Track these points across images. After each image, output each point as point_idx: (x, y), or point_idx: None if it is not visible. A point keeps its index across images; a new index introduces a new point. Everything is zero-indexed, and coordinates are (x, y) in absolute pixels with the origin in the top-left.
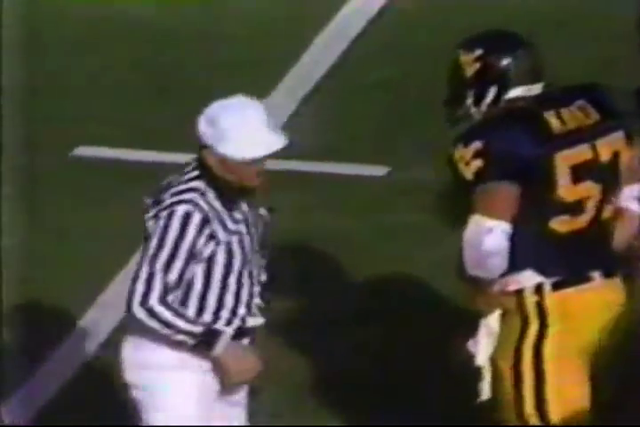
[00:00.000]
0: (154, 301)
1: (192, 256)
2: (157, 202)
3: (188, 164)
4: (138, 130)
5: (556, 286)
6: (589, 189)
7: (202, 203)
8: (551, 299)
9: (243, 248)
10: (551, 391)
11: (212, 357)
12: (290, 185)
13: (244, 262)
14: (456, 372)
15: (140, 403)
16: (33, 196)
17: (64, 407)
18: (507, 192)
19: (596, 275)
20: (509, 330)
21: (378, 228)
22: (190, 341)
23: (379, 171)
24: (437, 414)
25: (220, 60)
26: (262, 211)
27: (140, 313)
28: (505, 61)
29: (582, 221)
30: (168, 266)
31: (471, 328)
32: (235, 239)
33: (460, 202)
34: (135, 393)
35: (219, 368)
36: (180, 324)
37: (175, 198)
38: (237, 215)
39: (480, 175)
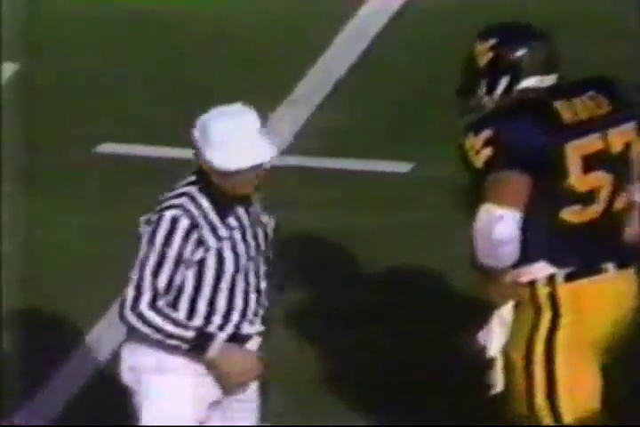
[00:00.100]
0: (143, 306)
1: (180, 261)
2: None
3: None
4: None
5: (569, 278)
6: (600, 179)
7: (191, 208)
8: (564, 290)
9: (236, 255)
10: (562, 383)
11: (207, 360)
12: (313, 182)
13: (238, 269)
14: (469, 365)
15: (136, 404)
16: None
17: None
18: (518, 181)
19: (610, 266)
20: (522, 321)
21: (401, 224)
22: (183, 345)
23: (402, 167)
24: (449, 408)
25: (234, 58)
26: (265, 219)
27: (131, 318)
28: (518, 51)
29: (594, 211)
30: (156, 271)
31: (485, 322)
32: (226, 245)
33: (479, 197)
34: (132, 395)
35: (215, 371)
36: (170, 329)
37: (166, 203)
38: (231, 221)
39: (490, 164)
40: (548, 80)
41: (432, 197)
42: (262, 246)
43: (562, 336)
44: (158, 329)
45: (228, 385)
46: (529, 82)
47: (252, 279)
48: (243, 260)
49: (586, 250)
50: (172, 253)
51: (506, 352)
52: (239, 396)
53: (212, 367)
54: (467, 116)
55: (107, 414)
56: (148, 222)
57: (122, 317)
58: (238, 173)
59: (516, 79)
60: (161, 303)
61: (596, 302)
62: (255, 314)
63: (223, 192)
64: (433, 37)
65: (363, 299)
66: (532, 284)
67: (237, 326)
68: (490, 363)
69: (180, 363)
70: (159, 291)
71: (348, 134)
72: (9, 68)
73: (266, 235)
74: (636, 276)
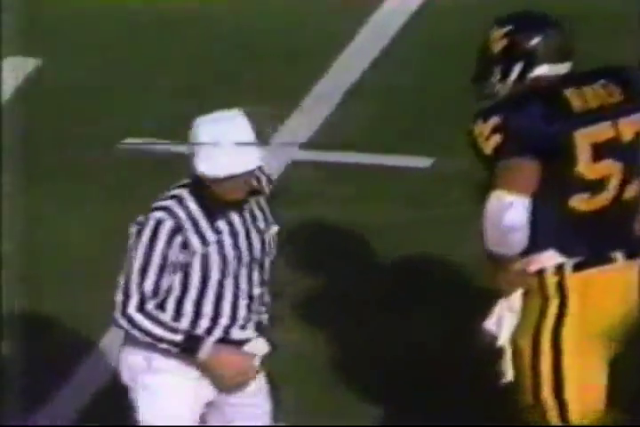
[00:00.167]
0: (131, 309)
1: (165, 264)
2: None
3: None
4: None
5: (578, 267)
6: (610, 167)
7: (178, 210)
8: (572, 279)
9: (224, 259)
10: (568, 372)
11: (198, 362)
12: (334, 177)
13: (225, 274)
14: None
15: (134, 404)
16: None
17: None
18: (528, 168)
19: (619, 255)
20: (530, 309)
21: (422, 219)
22: (173, 349)
23: (423, 162)
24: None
25: (256, 53)
26: (263, 225)
27: (122, 322)
28: (532, 39)
29: (603, 199)
30: (143, 274)
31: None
32: (213, 249)
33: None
34: (130, 395)
35: (208, 373)
36: (159, 332)
37: (155, 205)
38: (221, 225)
39: (499, 150)
40: (562, 68)
41: (452, 193)
42: (257, 253)
43: (569, 325)
44: (147, 333)
45: (223, 386)
46: (542, 69)
47: (243, 285)
48: (232, 265)
49: (595, 239)
50: (156, 255)
51: (514, 340)
52: (245, 401)
53: (204, 369)
54: (481, 103)
55: (116, 415)
56: (139, 224)
57: (114, 320)
58: (226, 179)
59: (529, 66)
60: (149, 306)
61: (604, 292)
62: (246, 320)
63: (215, 196)
64: (452, 35)
65: (382, 291)
66: (540, 273)
67: (226, 331)
68: (499, 352)
69: (173, 363)
70: (146, 294)
71: (369, 130)
72: (31, 64)
73: (263, 242)
74: None
